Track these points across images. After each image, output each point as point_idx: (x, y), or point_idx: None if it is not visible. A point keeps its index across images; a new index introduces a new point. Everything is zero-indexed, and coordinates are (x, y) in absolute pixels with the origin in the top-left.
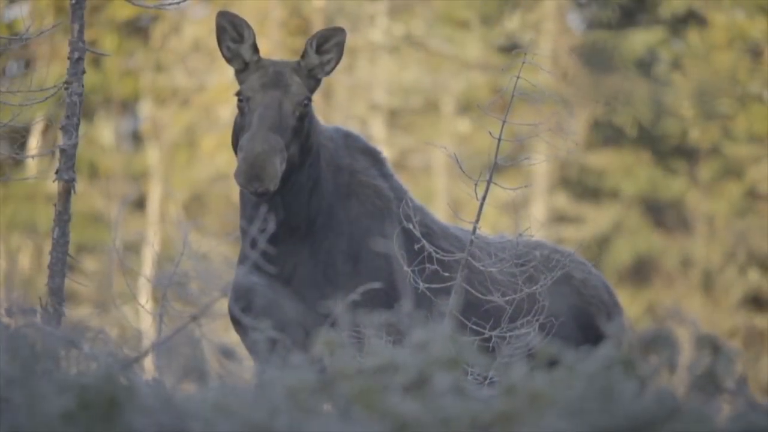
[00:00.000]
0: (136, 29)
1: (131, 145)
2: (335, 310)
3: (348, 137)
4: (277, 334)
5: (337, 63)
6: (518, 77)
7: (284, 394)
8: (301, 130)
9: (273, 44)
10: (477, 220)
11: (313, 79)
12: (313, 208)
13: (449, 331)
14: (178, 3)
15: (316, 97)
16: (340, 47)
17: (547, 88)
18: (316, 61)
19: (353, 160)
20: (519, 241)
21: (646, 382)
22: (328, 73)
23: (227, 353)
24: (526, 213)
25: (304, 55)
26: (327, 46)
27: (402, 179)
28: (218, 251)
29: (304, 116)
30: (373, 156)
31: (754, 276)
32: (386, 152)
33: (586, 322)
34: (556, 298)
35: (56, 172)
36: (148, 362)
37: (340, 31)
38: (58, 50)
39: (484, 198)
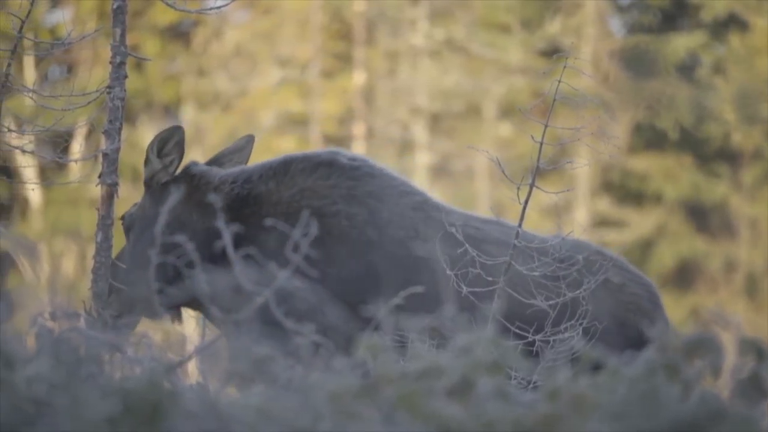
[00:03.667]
0: (178, 34)
1: None
2: (378, 314)
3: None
4: (320, 339)
5: (179, 161)
6: (560, 81)
7: (327, 398)
8: (136, 236)
9: (314, 49)
10: (520, 225)
11: (155, 184)
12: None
13: (492, 334)
14: (220, 8)
15: (358, 104)
16: (180, 145)
17: (588, 92)
18: (158, 166)
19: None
20: (558, 241)
21: (690, 387)
22: (172, 174)
23: (267, 357)
24: (569, 217)
25: (146, 162)
26: (167, 148)
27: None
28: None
29: (128, 232)
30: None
31: None
32: (428, 157)
33: (623, 328)
34: (594, 302)
35: (99, 177)
36: (192, 366)
37: (177, 130)
38: (100, 55)
39: (526, 202)
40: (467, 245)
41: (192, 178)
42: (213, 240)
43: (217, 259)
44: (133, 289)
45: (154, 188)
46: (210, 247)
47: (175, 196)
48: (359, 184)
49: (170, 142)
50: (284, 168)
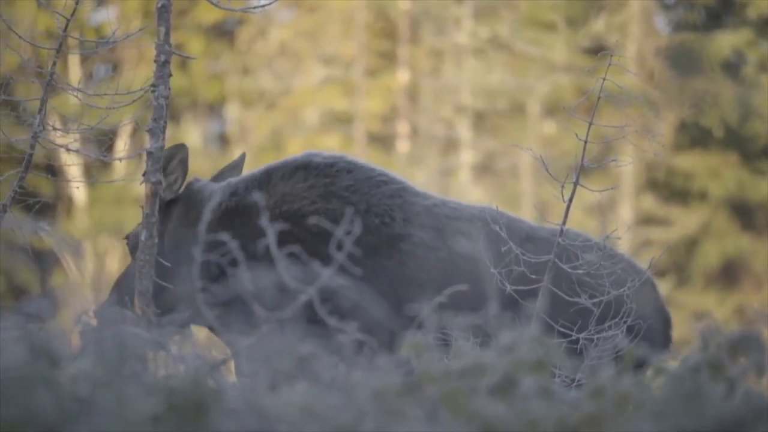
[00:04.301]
0: (223, 32)
1: (218, 148)
2: (421, 312)
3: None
4: (364, 337)
5: (183, 179)
6: (604, 79)
7: (371, 396)
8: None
9: (358, 47)
10: (564, 223)
11: (160, 204)
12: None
13: (536, 333)
14: (264, 7)
15: (402, 102)
16: (184, 163)
17: (633, 90)
18: (163, 184)
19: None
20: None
21: (734, 385)
22: (176, 192)
23: (311, 355)
24: (614, 215)
25: None
26: (171, 166)
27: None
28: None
29: (134, 251)
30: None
31: None
32: (472, 155)
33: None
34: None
35: (143, 175)
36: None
37: (181, 148)
38: (145, 53)
39: (570, 200)
40: (508, 235)
41: (191, 194)
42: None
43: (213, 272)
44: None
45: (161, 206)
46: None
47: (215, 200)
48: (336, 180)
49: (174, 160)
50: (267, 177)
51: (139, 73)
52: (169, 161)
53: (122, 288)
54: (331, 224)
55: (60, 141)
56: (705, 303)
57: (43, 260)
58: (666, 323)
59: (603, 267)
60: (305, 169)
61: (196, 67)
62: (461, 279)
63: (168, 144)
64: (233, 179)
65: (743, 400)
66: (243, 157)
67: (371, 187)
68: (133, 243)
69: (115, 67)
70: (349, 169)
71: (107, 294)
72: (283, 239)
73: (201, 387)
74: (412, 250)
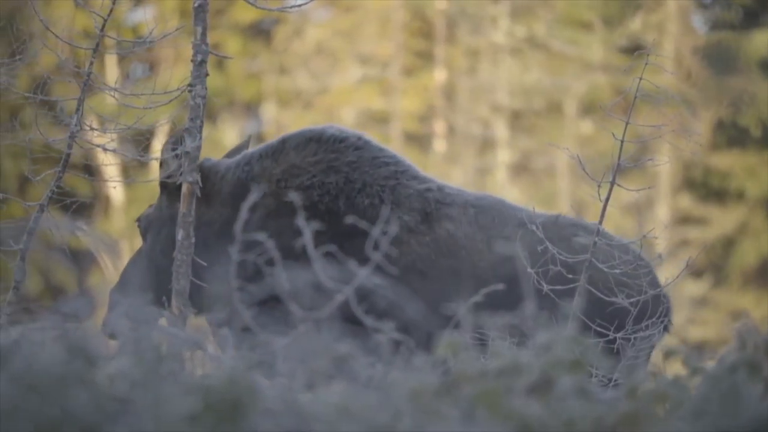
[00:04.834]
0: (259, 32)
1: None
2: (458, 311)
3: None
4: (401, 336)
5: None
6: (641, 78)
7: (407, 396)
8: (154, 236)
9: (395, 46)
10: (600, 222)
11: (172, 185)
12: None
13: (573, 332)
14: (301, 6)
15: (439, 101)
16: None
17: (670, 89)
18: (174, 165)
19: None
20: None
21: None
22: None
23: (347, 355)
24: (650, 214)
25: (162, 164)
26: (182, 148)
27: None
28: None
29: (146, 233)
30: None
31: None
32: (509, 154)
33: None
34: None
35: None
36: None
37: None
38: (182, 53)
39: (607, 200)
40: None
41: (202, 171)
42: (217, 229)
43: (223, 247)
44: (155, 291)
45: (171, 188)
46: (213, 237)
47: (255, 195)
48: (341, 155)
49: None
50: (281, 146)
51: (175, 73)
52: (180, 143)
53: (135, 269)
54: (321, 197)
55: (97, 141)
56: (742, 303)
57: (80, 260)
58: (665, 308)
59: (597, 248)
60: (317, 141)
61: (232, 67)
62: (445, 264)
63: (204, 145)
64: (249, 150)
65: None
66: (249, 138)
67: (372, 167)
68: (144, 225)
69: (152, 67)
70: (358, 146)
71: (119, 276)
72: (284, 212)
73: (238, 386)
74: (395, 233)
